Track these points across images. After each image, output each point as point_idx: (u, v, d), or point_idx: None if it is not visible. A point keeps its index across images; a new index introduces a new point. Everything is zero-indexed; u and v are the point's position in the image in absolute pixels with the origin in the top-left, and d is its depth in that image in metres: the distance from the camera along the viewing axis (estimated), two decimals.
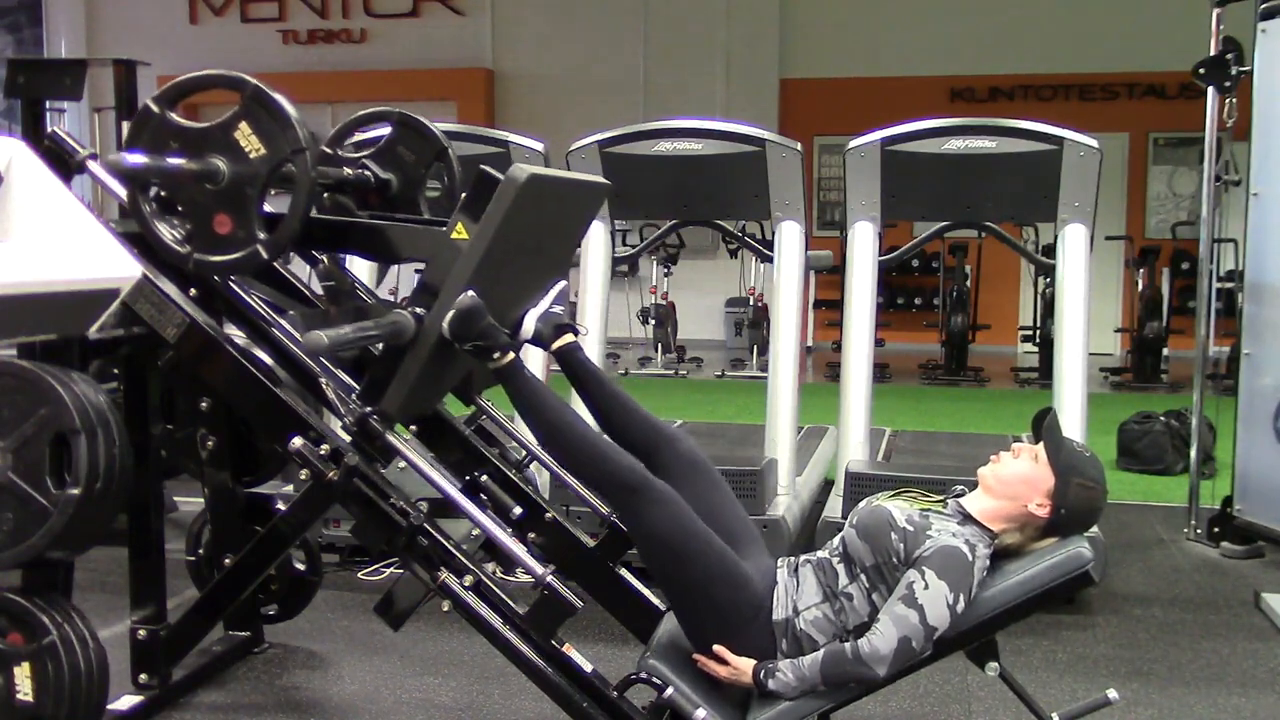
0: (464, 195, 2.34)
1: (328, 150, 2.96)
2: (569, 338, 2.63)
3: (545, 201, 2.47)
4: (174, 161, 2.43)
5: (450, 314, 2.29)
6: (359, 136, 3.17)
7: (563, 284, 2.69)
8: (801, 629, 2.38)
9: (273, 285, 2.91)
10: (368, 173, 2.92)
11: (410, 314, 2.32)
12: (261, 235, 2.44)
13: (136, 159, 2.40)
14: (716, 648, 2.38)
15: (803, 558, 2.50)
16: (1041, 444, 2.45)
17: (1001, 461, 2.47)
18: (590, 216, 2.93)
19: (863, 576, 2.37)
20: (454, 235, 2.32)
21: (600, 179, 3.05)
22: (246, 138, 2.40)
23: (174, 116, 2.47)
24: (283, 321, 2.67)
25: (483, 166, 2.34)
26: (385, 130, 3.04)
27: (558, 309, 2.65)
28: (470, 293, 2.29)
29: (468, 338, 2.32)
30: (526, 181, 2.27)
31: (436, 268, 2.34)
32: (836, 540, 2.48)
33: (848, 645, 2.29)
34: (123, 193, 2.58)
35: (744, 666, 2.35)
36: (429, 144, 2.97)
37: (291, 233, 2.44)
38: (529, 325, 2.61)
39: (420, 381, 2.38)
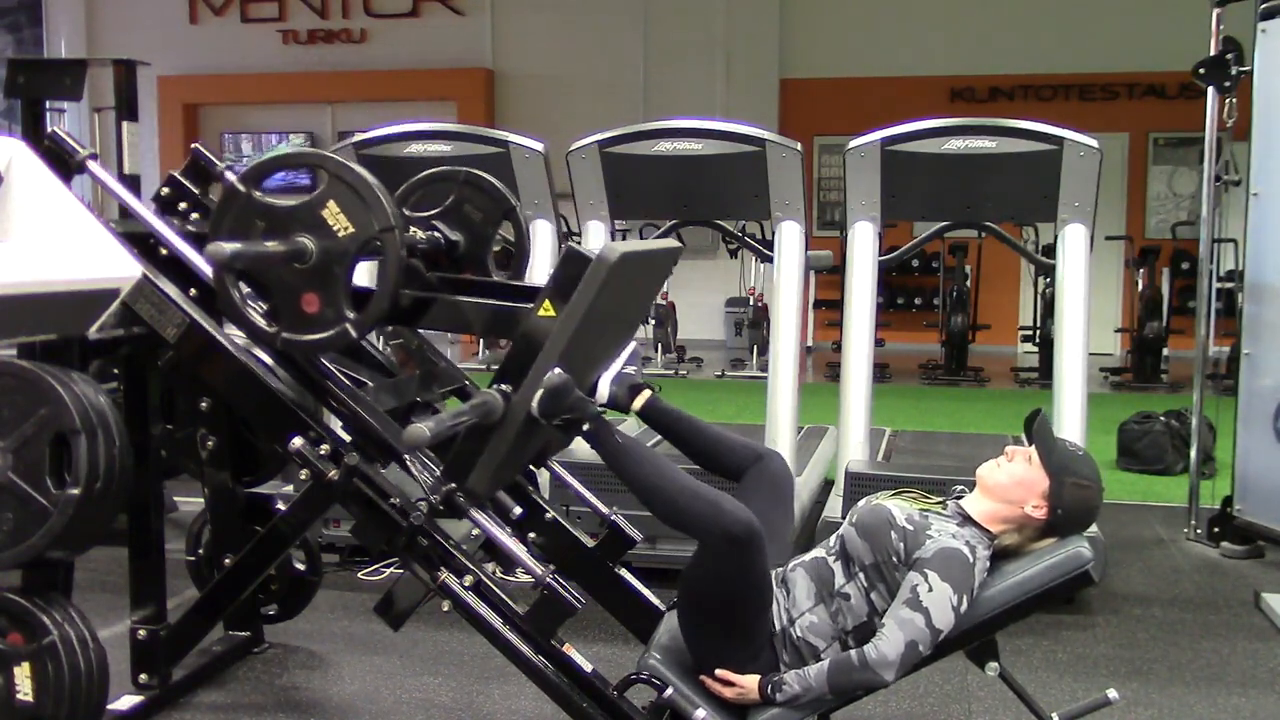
0: (552, 274, 2.30)
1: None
2: (646, 395, 2.63)
3: (629, 275, 2.44)
4: (267, 246, 2.37)
5: (539, 393, 2.25)
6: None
7: (634, 345, 2.69)
8: (799, 636, 2.38)
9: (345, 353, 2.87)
10: (437, 234, 2.89)
11: (498, 392, 2.28)
12: (350, 315, 2.39)
13: (232, 246, 2.33)
14: (720, 672, 2.37)
15: (791, 564, 2.50)
16: (1034, 446, 2.46)
17: (997, 466, 2.48)
18: (665, 279, 2.92)
19: (861, 575, 2.37)
20: (541, 313, 2.29)
21: (675, 243, 3.02)
22: (334, 216, 2.35)
23: (259, 196, 2.42)
24: (366, 398, 2.62)
25: (571, 244, 2.33)
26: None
27: (630, 369, 2.64)
28: (558, 370, 2.26)
29: (557, 414, 2.28)
30: (618, 262, 2.24)
31: (524, 347, 2.30)
32: (833, 539, 2.48)
33: (853, 653, 2.29)
34: (207, 271, 2.54)
35: (750, 685, 2.35)
36: (496, 203, 2.94)
37: (381, 312, 2.40)
38: (603, 390, 2.59)
39: (507, 458, 2.36)
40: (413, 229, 2.80)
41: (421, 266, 2.74)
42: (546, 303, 2.28)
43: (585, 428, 2.40)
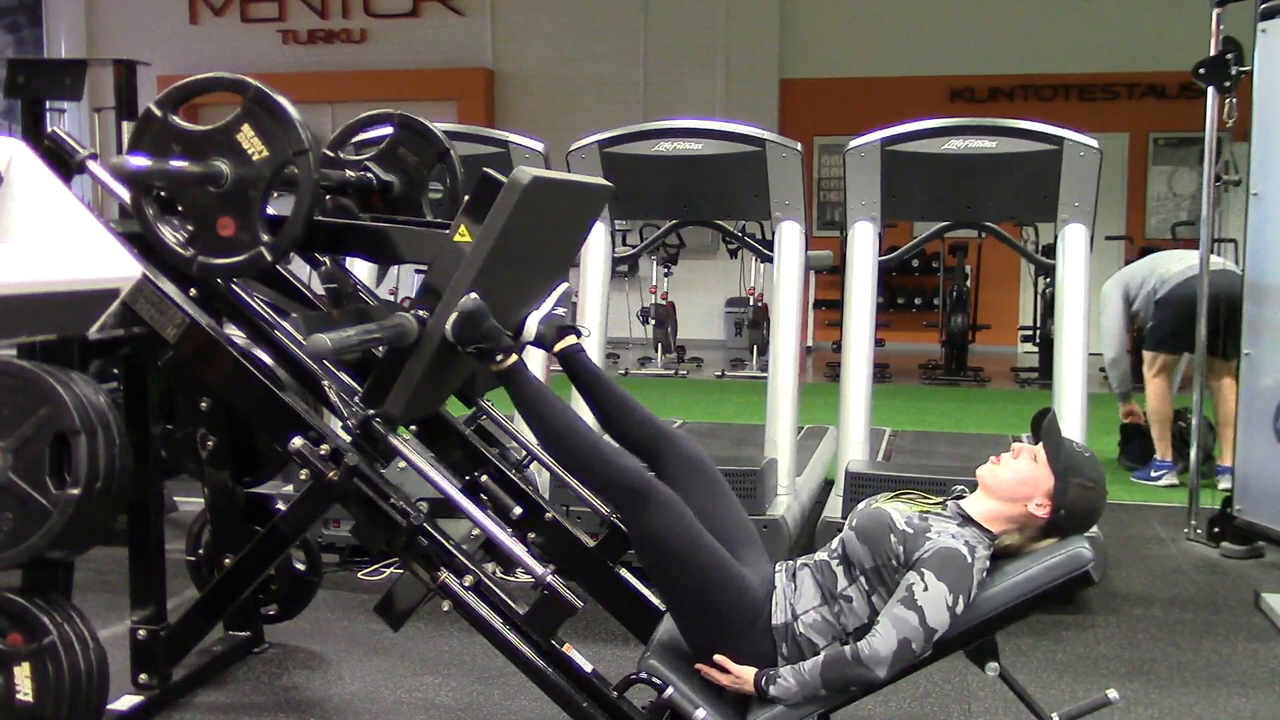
0: (466, 198, 2.34)
1: (330, 153, 2.97)
2: (571, 339, 2.64)
3: (548, 204, 2.47)
4: (177, 164, 2.43)
5: (453, 316, 2.30)
6: (360, 138, 3.17)
7: (565, 286, 2.69)
8: (801, 633, 2.38)
9: (274, 287, 2.91)
10: (370, 175, 2.92)
11: (413, 316, 2.32)
12: (265, 238, 2.44)
13: (139, 162, 2.40)
14: (718, 657, 2.38)
15: (799, 561, 2.50)
16: (1041, 444, 2.46)
17: (1001, 463, 2.47)
18: (593, 219, 2.94)
19: (862, 579, 2.37)
20: (457, 238, 2.32)
21: (603, 181, 3.05)
22: (249, 140, 2.40)
23: (176, 120, 2.47)
24: (285, 324, 2.67)
25: (485, 169, 2.34)
26: (387, 131, 3.04)
27: (560, 311, 2.65)
28: (473, 295, 2.29)
29: (471, 340, 2.32)
30: (530, 184, 2.27)
31: (439, 270, 2.34)
32: (835, 542, 2.48)
33: (847, 648, 2.29)
34: (125, 195, 2.58)
35: (745, 674, 2.35)
36: (431, 146, 2.97)
37: (295, 235, 2.45)
38: (531, 327, 2.61)
39: (423, 384, 2.38)
40: (346, 171, 2.85)
41: (353, 205, 2.78)
42: (463, 228, 2.31)
43: (499, 359, 2.39)
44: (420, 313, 2.33)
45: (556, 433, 2.45)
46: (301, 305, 2.92)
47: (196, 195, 2.45)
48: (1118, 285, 5.96)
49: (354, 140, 3.13)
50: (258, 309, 2.75)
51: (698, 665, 2.41)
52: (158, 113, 2.46)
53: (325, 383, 2.61)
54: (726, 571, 2.37)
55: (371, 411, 2.39)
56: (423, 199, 2.99)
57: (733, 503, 2.59)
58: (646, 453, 2.58)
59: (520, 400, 2.46)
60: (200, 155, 2.43)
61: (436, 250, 2.39)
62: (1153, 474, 5.88)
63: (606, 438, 2.55)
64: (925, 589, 2.27)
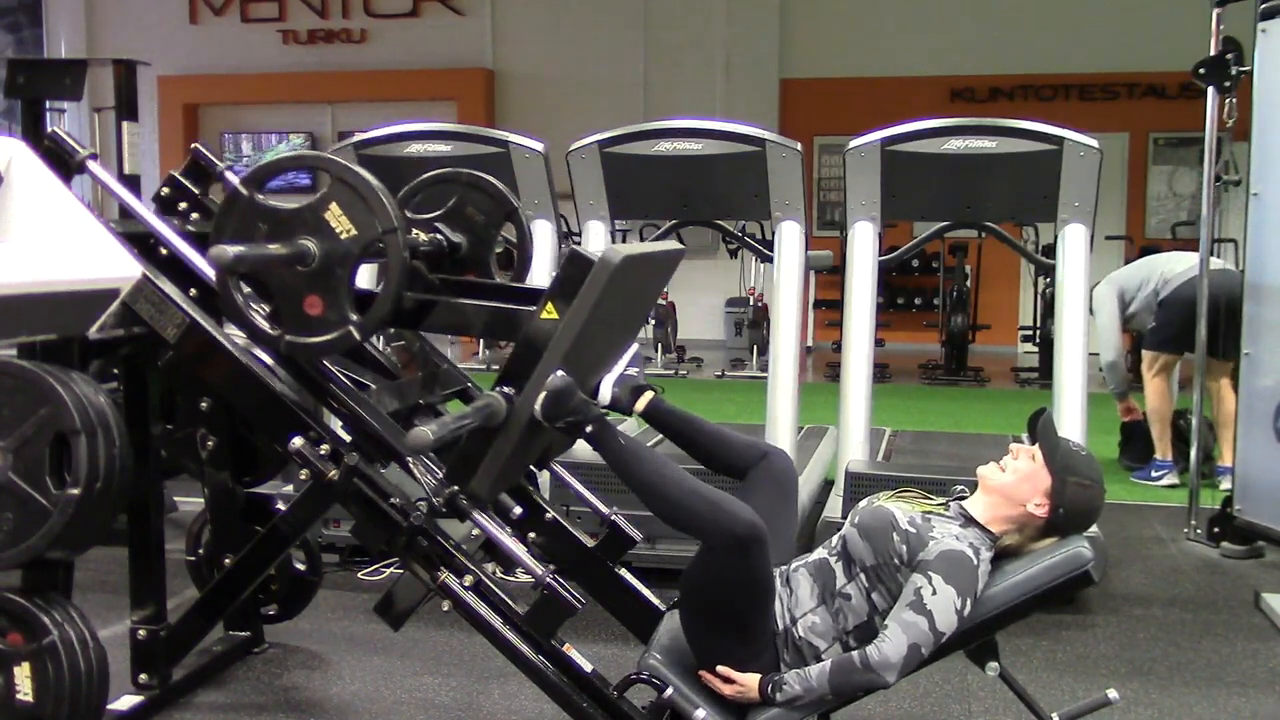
0: (555, 277, 2.29)
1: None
2: (649, 396, 2.63)
3: (632, 278, 2.44)
4: (270, 249, 2.37)
5: (542, 396, 2.26)
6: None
7: (636, 347, 2.69)
8: (800, 636, 2.38)
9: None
10: (440, 236, 2.89)
11: (501, 395, 2.28)
12: (354, 317, 2.39)
13: (235, 250, 2.32)
14: (721, 669, 2.37)
15: (794, 564, 2.50)
16: (1037, 444, 2.46)
17: (1000, 463, 2.48)
18: (666, 281, 2.92)
19: (862, 576, 2.37)
20: (543, 315, 2.29)
21: (677, 245, 3.02)
22: (337, 219, 2.35)
23: (262, 199, 2.42)
24: (370, 400, 2.61)
25: (574, 247, 2.32)
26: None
27: (633, 371, 2.64)
28: (561, 373, 2.26)
29: (560, 417, 2.29)
30: (620, 264, 2.24)
31: (526, 349, 2.31)
32: (835, 539, 2.48)
33: (855, 654, 2.29)
34: (211, 276, 2.54)
35: (750, 683, 2.35)
36: (498, 205, 2.94)
37: (385, 315, 2.40)
38: (605, 392, 2.59)
39: (509, 460, 2.36)
40: (415, 231, 2.80)
41: (424, 268, 2.74)
42: (549, 305, 2.28)
43: (588, 430, 2.39)
44: (507, 390, 2.28)
45: (654, 488, 2.37)
46: (369, 368, 2.90)
47: (284, 274, 2.40)
48: (1111, 287, 5.96)
49: (415, 199, 3.05)
50: (343, 381, 2.68)
51: (701, 673, 2.41)
52: (244, 192, 2.41)
53: (410, 461, 2.54)
54: (766, 609, 2.38)
55: (456, 489, 2.36)
56: (490, 258, 2.96)
57: (793, 519, 2.62)
58: (741, 471, 2.60)
59: (613, 464, 2.42)
60: (288, 235, 2.38)
61: (525, 330, 2.34)
62: (1153, 474, 5.88)
63: (705, 486, 2.42)
64: (934, 593, 2.27)
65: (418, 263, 2.71)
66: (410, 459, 2.53)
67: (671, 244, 3.20)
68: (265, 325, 2.44)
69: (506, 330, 2.57)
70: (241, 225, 2.41)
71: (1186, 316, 5.23)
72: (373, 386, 2.72)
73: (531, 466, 2.92)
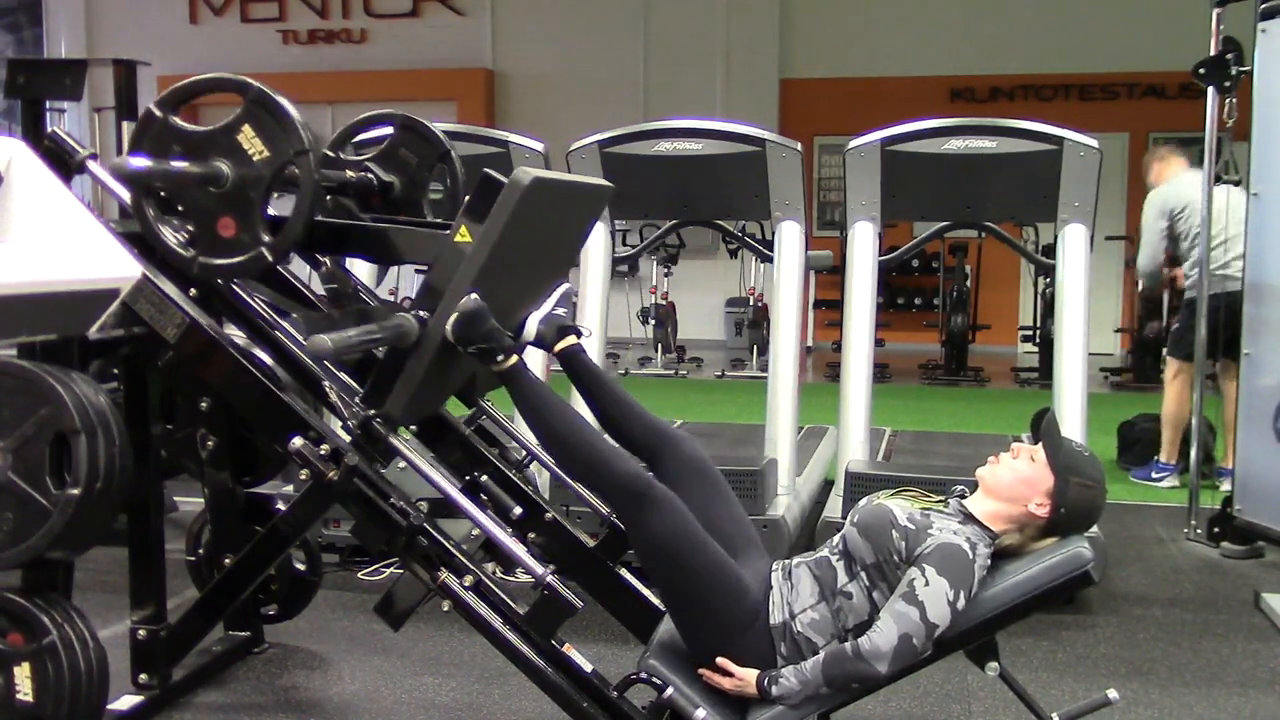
0: (467, 198, 2.34)
1: (330, 153, 2.97)
2: (572, 339, 2.64)
3: (549, 204, 2.48)
4: (177, 165, 2.42)
5: (454, 317, 2.30)
6: (361, 138, 3.17)
7: (566, 286, 2.69)
8: (799, 631, 2.38)
9: (275, 287, 2.92)
10: (370, 175, 2.92)
11: (414, 317, 2.32)
12: (266, 238, 2.43)
13: (140, 163, 2.40)
14: (720, 660, 2.37)
15: (796, 559, 2.50)
16: (1040, 444, 2.46)
17: (1001, 462, 2.48)
18: (593, 219, 2.94)
19: (862, 574, 2.37)
20: (458, 238, 2.33)
21: (603, 181, 3.06)
22: (250, 140, 2.40)
23: (177, 120, 2.47)
24: (285, 324, 2.67)
25: (486, 170, 2.34)
26: (387, 132, 3.04)
27: (561, 311, 2.65)
28: (474, 295, 2.30)
29: (471, 340, 2.32)
30: (530, 184, 2.27)
31: (440, 271, 2.35)
32: (836, 538, 2.48)
33: (848, 644, 2.29)
34: (125, 195, 2.58)
35: (748, 677, 2.35)
36: (432, 147, 2.98)
37: (295, 235, 2.44)
38: (531, 327, 2.61)
39: (424, 384, 2.39)
40: (347, 171, 2.86)
41: (354, 206, 2.78)
42: (464, 229, 2.32)
43: (500, 360, 2.39)
44: (421, 313, 2.33)
45: (557, 434, 2.45)
46: (302, 306, 2.92)
47: (197, 196, 2.45)
48: (1161, 202, 5.91)
49: (354, 141, 3.14)
50: (258, 309, 2.76)
51: (700, 670, 2.41)
52: (158, 113, 2.46)
53: (326, 383, 2.61)
54: (724, 573, 2.37)
55: (372, 412, 2.40)
56: (423, 200, 3.00)
57: (733, 504, 2.59)
58: (646, 453, 2.58)
59: (521, 401, 2.46)
60: (201, 156, 2.43)
61: (437, 251, 2.39)
62: (1154, 475, 5.87)
63: (607, 438, 2.55)
64: (926, 584, 2.27)
65: (346, 200, 2.75)
66: (331, 391, 2.55)
67: (597, 180, 3.20)
68: (176, 244, 2.47)
69: (421, 254, 2.60)
70: (155, 145, 2.45)
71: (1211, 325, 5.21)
72: (295, 315, 2.74)
73: (462, 401, 2.93)
